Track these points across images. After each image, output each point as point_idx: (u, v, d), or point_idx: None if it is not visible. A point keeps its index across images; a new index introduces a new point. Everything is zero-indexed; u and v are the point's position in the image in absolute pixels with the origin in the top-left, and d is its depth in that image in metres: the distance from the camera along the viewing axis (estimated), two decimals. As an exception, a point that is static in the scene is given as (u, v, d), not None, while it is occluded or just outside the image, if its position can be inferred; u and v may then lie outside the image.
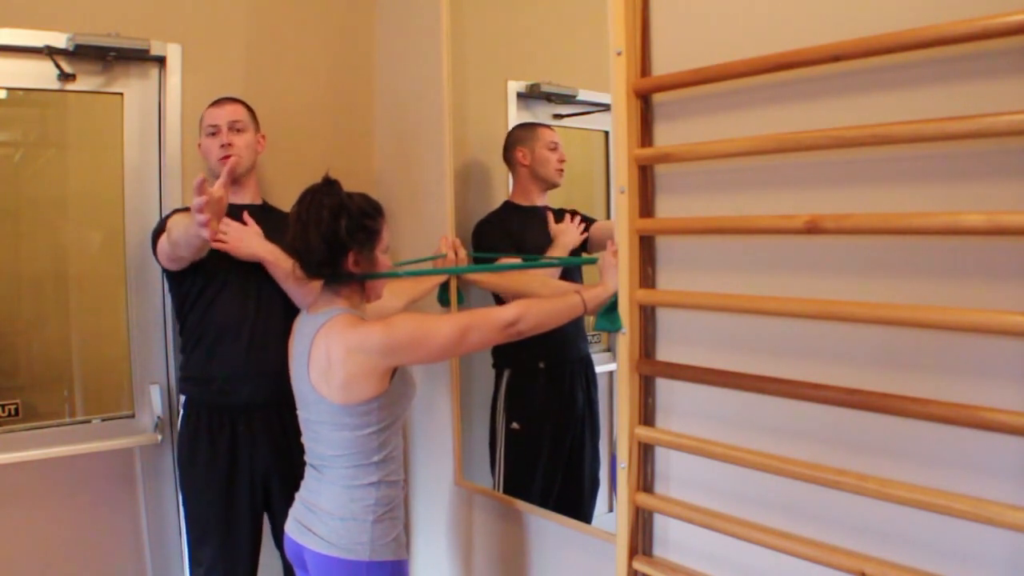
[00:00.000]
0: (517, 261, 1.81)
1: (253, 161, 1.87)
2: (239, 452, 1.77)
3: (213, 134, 1.82)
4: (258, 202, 1.90)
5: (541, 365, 1.83)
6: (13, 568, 1.87)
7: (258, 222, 1.80)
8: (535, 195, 1.82)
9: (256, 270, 1.78)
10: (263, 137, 1.90)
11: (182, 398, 1.82)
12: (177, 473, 1.84)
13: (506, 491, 1.85)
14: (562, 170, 1.79)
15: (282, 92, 2.10)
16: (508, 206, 1.86)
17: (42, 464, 1.86)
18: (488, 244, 1.90)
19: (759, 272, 1.27)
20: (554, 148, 1.79)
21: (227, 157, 1.79)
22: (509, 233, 1.84)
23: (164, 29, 1.95)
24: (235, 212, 1.82)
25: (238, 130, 1.83)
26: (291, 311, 1.73)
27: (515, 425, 1.86)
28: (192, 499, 1.79)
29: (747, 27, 1.25)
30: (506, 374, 1.88)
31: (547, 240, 1.78)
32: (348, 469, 1.40)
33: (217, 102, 1.85)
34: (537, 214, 1.81)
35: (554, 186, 1.80)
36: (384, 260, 1.46)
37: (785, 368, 1.23)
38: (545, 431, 1.84)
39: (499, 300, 1.83)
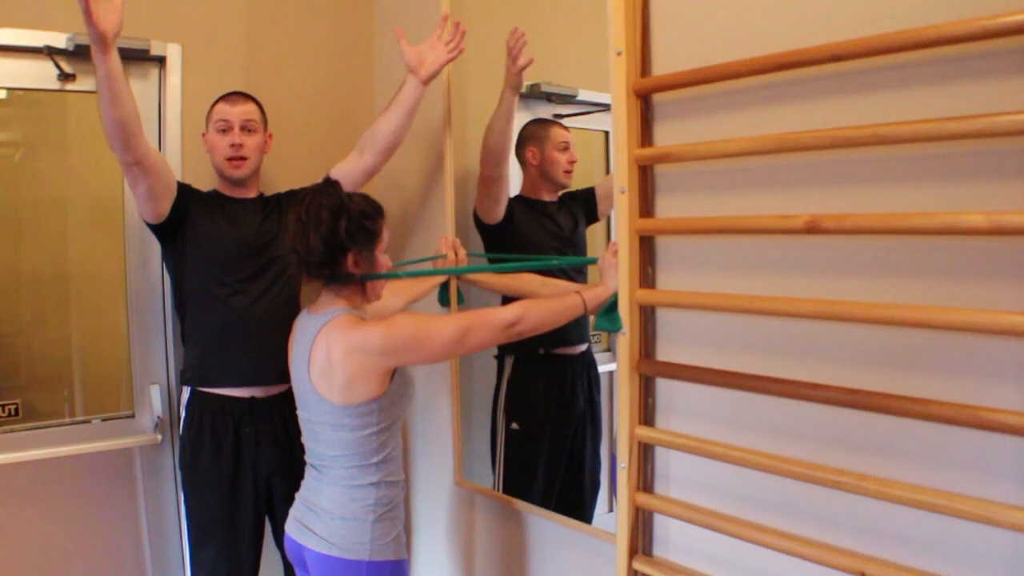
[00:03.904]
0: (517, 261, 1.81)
1: (260, 162, 1.86)
2: (243, 453, 1.77)
3: (224, 131, 1.79)
4: (255, 195, 1.90)
5: (540, 351, 1.82)
6: (13, 568, 1.87)
7: (254, 212, 1.83)
8: (544, 193, 1.82)
9: (261, 271, 1.78)
10: (271, 136, 1.90)
11: (184, 396, 1.81)
12: (179, 474, 1.84)
13: (505, 491, 1.85)
14: (571, 171, 1.78)
15: (282, 92, 2.10)
16: (517, 199, 1.85)
17: (42, 464, 1.85)
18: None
19: (759, 272, 1.27)
20: (564, 149, 1.78)
21: (236, 159, 1.79)
22: (526, 220, 1.83)
23: (164, 29, 1.95)
24: (237, 207, 1.83)
25: (250, 131, 1.81)
26: (294, 310, 1.73)
27: (514, 425, 1.86)
28: (195, 500, 1.78)
29: (747, 27, 1.25)
30: (507, 365, 1.87)
31: (553, 237, 1.77)
32: (348, 469, 1.40)
33: (229, 97, 1.83)
34: (546, 208, 1.81)
35: (563, 187, 1.80)
36: (384, 261, 1.46)
37: (785, 368, 1.23)
38: (545, 431, 1.83)
39: (506, 300, 1.83)
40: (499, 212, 1.83)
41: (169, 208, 1.71)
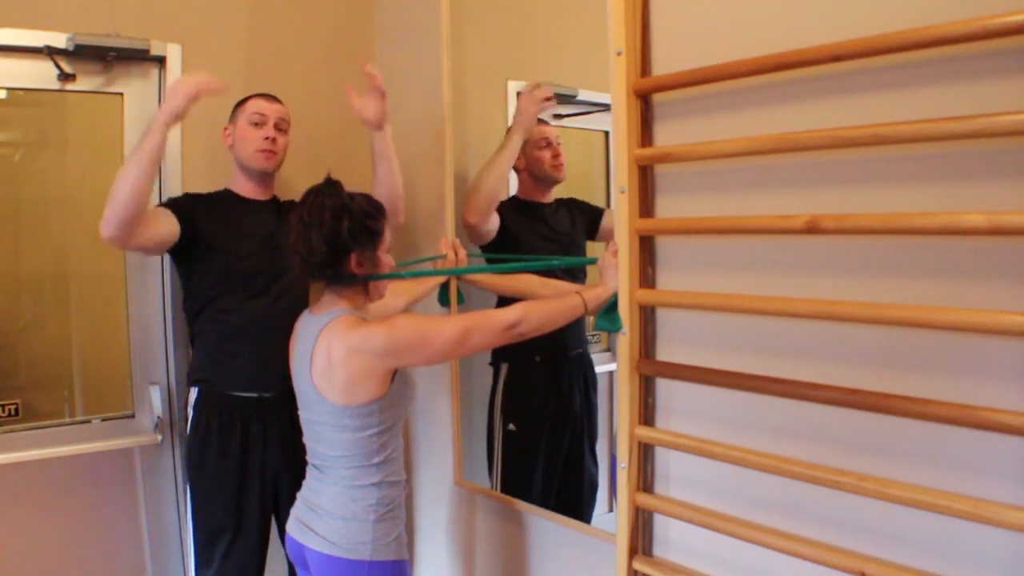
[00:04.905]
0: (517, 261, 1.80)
1: (281, 163, 1.87)
2: (251, 452, 1.77)
3: (258, 124, 1.80)
4: (269, 197, 1.90)
5: (537, 358, 1.82)
6: (13, 568, 1.87)
7: (269, 215, 1.83)
8: (540, 193, 1.81)
9: (274, 276, 1.77)
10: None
11: (192, 396, 1.81)
12: (186, 474, 1.83)
13: (503, 493, 1.85)
14: (559, 165, 1.77)
15: (282, 92, 2.09)
16: (513, 201, 1.85)
17: (42, 464, 1.85)
18: None
19: (759, 272, 1.27)
20: (546, 145, 1.77)
21: (268, 151, 1.80)
22: (517, 220, 1.82)
23: (164, 29, 1.95)
24: (249, 210, 1.83)
25: (281, 130, 1.84)
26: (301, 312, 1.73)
27: (511, 427, 1.86)
28: (202, 500, 1.78)
29: (747, 27, 1.25)
30: (503, 370, 1.87)
31: (547, 240, 1.77)
32: (349, 470, 1.40)
33: (264, 95, 1.85)
34: (541, 211, 1.81)
35: (555, 183, 1.79)
36: (387, 260, 1.46)
37: (785, 368, 1.23)
38: (542, 433, 1.83)
39: (500, 302, 1.82)
40: (489, 237, 1.83)
41: (177, 238, 1.70)
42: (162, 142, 1.53)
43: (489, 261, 1.88)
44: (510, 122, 1.83)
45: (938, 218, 1.02)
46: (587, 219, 1.76)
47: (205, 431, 1.76)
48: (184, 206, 1.75)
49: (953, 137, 1.01)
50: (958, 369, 1.05)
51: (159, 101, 1.98)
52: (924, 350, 1.08)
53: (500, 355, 1.88)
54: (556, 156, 1.77)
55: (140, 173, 1.50)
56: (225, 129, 1.86)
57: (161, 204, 1.76)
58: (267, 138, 1.80)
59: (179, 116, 1.55)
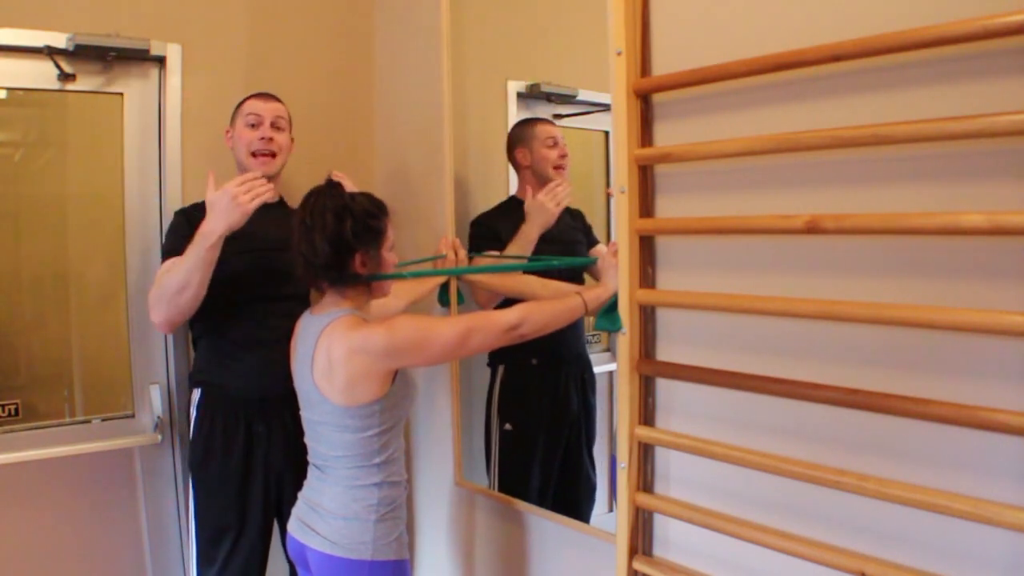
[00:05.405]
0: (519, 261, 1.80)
1: (285, 163, 1.86)
2: (254, 451, 1.77)
3: (254, 125, 1.79)
4: (276, 199, 1.89)
5: (534, 361, 1.82)
6: (13, 568, 1.87)
7: (276, 218, 1.81)
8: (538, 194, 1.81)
9: (279, 279, 1.77)
10: (292, 140, 1.89)
11: (195, 396, 1.80)
12: (190, 474, 1.83)
13: (500, 492, 1.85)
14: (563, 166, 1.77)
15: (282, 93, 2.10)
16: (512, 202, 1.84)
17: (42, 464, 1.85)
18: (477, 238, 1.88)
19: (759, 272, 1.27)
20: (553, 144, 1.77)
21: (265, 153, 1.78)
22: (511, 226, 1.80)
23: (164, 29, 1.95)
24: (259, 209, 1.82)
25: (279, 128, 1.82)
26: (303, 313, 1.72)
27: (508, 427, 1.86)
28: (205, 500, 1.77)
29: (747, 27, 1.25)
30: (500, 371, 1.87)
31: (550, 239, 1.77)
32: (350, 470, 1.40)
33: (260, 95, 1.84)
34: None
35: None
36: (390, 259, 1.46)
37: (785, 368, 1.23)
38: (539, 433, 1.83)
39: (500, 303, 1.82)
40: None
41: None
42: (217, 252, 1.56)
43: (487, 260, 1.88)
44: (510, 122, 1.83)
45: (938, 218, 1.02)
46: (587, 231, 1.76)
47: (208, 431, 1.76)
48: (190, 226, 1.70)
49: (953, 137, 1.01)
50: (958, 369, 1.05)
51: (159, 101, 1.98)
52: (924, 350, 1.08)
53: (497, 357, 1.88)
54: (563, 156, 1.77)
55: (201, 281, 1.57)
56: (227, 132, 1.85)
57: (174, 241, 1.72)
58: (263, 138, 1.78)
59: (231, 230, 1.56)
